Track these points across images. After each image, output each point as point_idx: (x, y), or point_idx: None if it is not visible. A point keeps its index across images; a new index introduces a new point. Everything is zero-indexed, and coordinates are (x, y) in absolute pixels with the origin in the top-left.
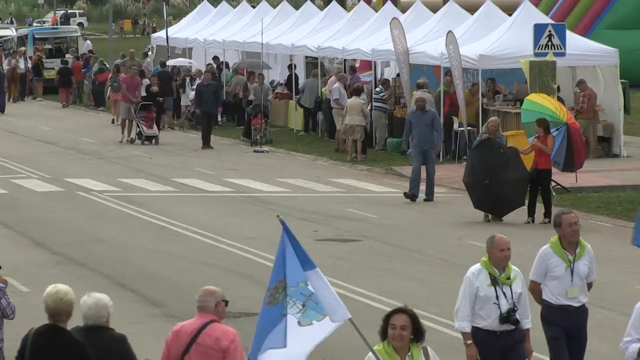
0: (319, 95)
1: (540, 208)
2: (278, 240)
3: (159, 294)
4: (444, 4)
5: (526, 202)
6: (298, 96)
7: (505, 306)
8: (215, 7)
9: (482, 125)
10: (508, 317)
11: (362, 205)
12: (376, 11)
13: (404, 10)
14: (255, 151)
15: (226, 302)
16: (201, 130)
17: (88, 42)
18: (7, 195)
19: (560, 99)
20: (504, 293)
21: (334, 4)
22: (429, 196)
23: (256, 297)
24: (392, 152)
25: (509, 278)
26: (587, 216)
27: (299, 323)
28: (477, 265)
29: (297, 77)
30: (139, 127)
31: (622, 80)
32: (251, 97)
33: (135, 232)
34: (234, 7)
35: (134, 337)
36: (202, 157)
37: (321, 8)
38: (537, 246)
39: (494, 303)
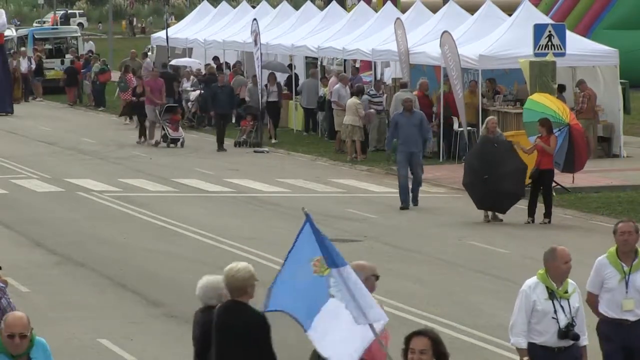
0: (322, 95)
1: (540, 208)
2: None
3: (159, 294)
4: (444, 4)
5: (524, 202)
6: (299, 96)
7: (563, 321)
8: (215, 7)
9: (482, 125)
10: (567, 332)
11: (362, 206)
12: (376, 11)
13: (404, 10)
14: (255, 151)
15: (377, 277)
16: (216, 132)
17: (91, 42)
18: (7, 195)
19: (561, 98)
20: (562, 307)
21: (334, 4)
22: (414, 201)
23: (256, 297)
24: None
25: (566, 292)
26: (587, 216)
27: (346, 307)
28: (534, 279)
29: (297, 77)
30: (164, 129)
31: (622, 81)
32: (247, 98)
33: (135, 232)
34: (234, 7)
35: (134, 337)
36: (202, 157)
37: (321, 8)
38: (538, 246)
39: (552, 317)
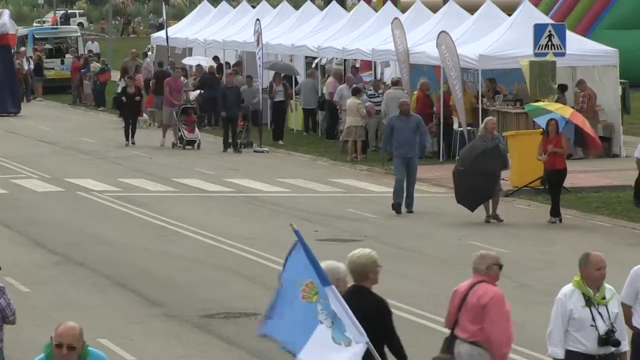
0: (321, 95)
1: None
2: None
3: (159, 294)
4: (444, 4)
5: (524, 202)
6: (298, 96)
7: (603, 328)
8: (215, 7)
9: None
10: (608, 338)
11: (362, 206)
12: (376, 11)
13: (404, 10)
14: (255, 151)
15: (500, 266)
16: (223, 134)
17: (96, 43)
18: (7, 195)
19: (562, 98)
20: (600, 314)
21: (334, 4)
22: (410, 207)
23: (256, 297)
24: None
25: (604, 298)
26: (587, 216)
27: (333, 339)
28: (569, 286)
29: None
30: (180, 131)
31: (622, 80)
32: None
33: (135, 232)
34: (234, 7)
35: (134, 337)
36: (202, 157)
37: (321, 8)
38: (537, 246)
39: (591, 325)
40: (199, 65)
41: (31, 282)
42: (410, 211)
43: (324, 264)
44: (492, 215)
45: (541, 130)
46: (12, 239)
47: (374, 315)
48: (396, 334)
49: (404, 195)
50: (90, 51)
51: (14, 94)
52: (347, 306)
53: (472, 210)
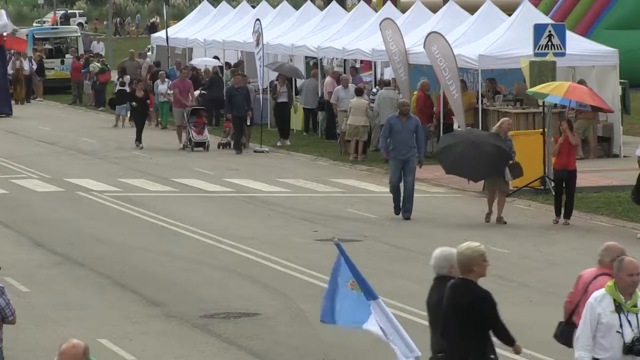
0: (322, 95)
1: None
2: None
3: (159, 294)
4: (444, 4)
5: (523, 202)
6: (298, 96)
7: (629, 335)
8: (215, 7)
9: (481, 125)
10: (632, 347)
11: (362, 205)
12: (376, 11)
13: (404, 10)
14: (255, 151)
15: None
16: (235, 136)
17: (102, 44)
18: (7, 195)
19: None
20: (628, 321)
21: (334, 4)
22: (407, 214)
23: (256, 297)
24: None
25: (635, 305)
26: (587, 216)
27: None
28: (602, 290)
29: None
30: (189, 132)
31: (622, 80)
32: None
33: (135, 232)
34: (234, 7)
35: (134, 337)
36: (202, 157)
37: (321, 8)
38: (538, 246)
39: (617, 332)
40: (187, 67)
41: (31, 282)
42: (407, 217)
43: (438, 251)
44: (497, 218)
45: (540, 130)
46: (12, 239)
47: (475, 309)
48: (501, 322)
49: (401, 198)
50: (89, 51)
51: (5, 95)
52: (394, 319)
53: (476, 181)
